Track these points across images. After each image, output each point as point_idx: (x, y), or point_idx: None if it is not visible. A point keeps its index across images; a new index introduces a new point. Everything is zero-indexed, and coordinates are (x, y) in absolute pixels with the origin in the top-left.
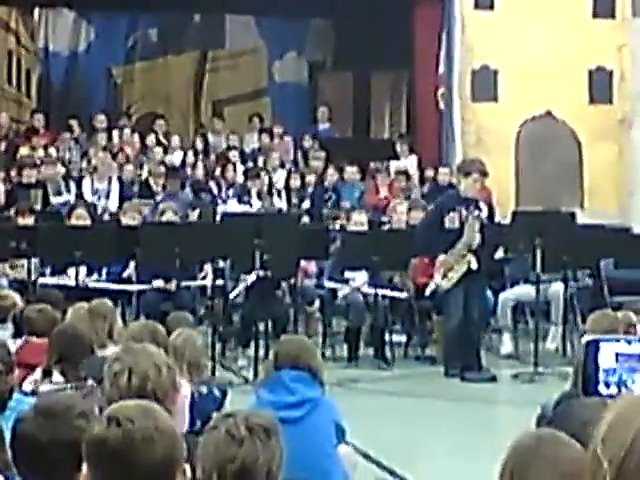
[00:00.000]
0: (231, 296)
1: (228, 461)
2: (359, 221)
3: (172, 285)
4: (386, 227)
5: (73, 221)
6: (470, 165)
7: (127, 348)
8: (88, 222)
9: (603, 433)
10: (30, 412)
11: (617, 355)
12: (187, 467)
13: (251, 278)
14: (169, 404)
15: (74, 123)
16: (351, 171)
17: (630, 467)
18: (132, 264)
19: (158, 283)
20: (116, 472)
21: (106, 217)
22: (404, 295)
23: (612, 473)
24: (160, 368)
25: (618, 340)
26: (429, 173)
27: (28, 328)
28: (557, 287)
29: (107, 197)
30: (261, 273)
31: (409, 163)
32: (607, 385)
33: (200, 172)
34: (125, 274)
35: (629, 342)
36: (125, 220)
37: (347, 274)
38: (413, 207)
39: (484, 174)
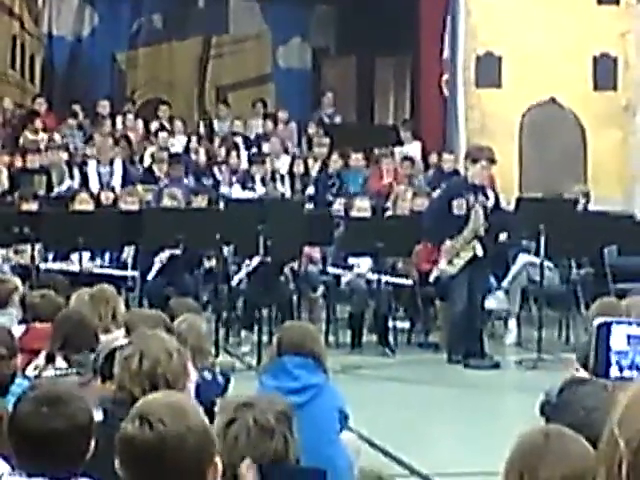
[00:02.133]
0: (233, 282)
1: (261, 454)
2: (362, 207)
3: (178, 250)
4: (389, 213)
5: (77, 206)
6: (478, 152)
7: (139, 334)
8: (92, 206)
9: (620, 415)
10: (29, 400)
11: (629, 337)
12: (219, 460)
13: (253, 263)
14: (180, 389)
15: (77, 108)
16: (356, 158)
17: None
18: (130, 249)
19: (164, 255)
20: (148, 472)
21: (107, 196)
22: (408, 282)
23: (629, 454)
24: (171, 353)
25: (630, 323)
26: (433, 159)
27: (32, 314)
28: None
29: (110, 178)
30: (264, 259)
31: (413, 149)
32: (620, 368)
33: (204, 158)
34: (124, 256)
35: None
36: (124, 206)
37: (351, 260)
38: (417, 194)
39: (492, 161)
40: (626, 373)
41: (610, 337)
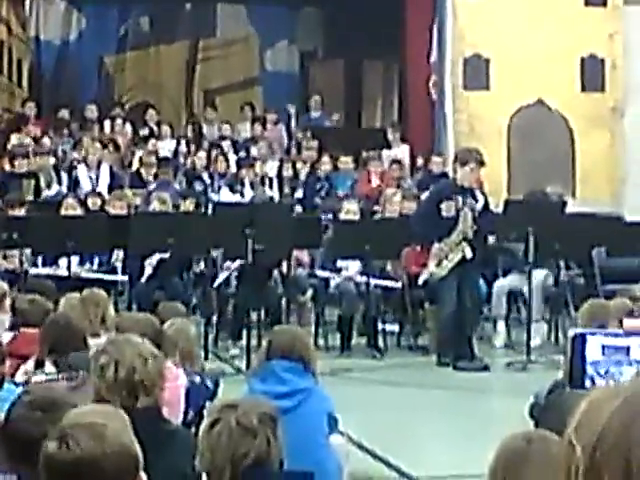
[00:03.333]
0: (215, 284)
1: (243, 455)
2: (351, 210)
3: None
4: (378, 216)
5: (63, 212)
6: (467, 154)
7: (111, 340)
8: (79, 212)
9: (576, 421)
10: (23, 405)
11: (604, 347)
12: (144, 476)
13: (234, 265)
14: (157, 393)
15: (65, 113)
16: (345, 161)
17: (602, 452)
18: (119, 253)
19: (154, 259)
20: None
21: (95, 200)
22: (397, 284)
23: (585, 460)
24: (146, 358)
25: (605, 334)
26: (420, 162)
27: (20, 319)
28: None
29: (97, 182)
30: (244, 262)
31: (401, 152)
32: (594, 378)
33: (191, 161)
34: (113, 260)
35: (615, 335)
36: (112, 210)
37: (339, 263)
38: (406, 197)
39: (481, 164)
40: (601, 382)
41: (585, 348)
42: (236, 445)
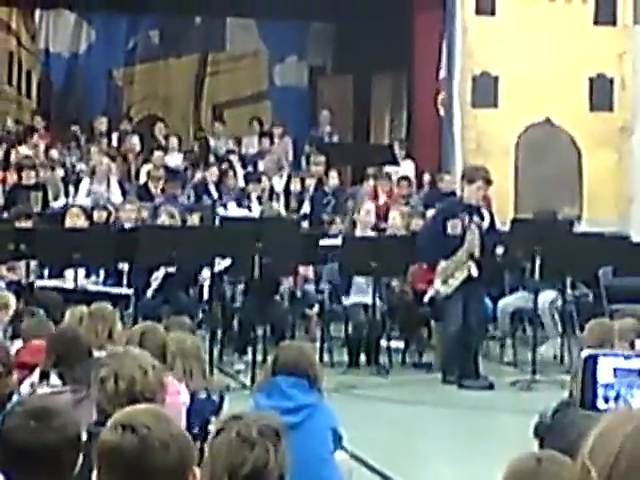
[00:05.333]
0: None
1: (240, 464)
2: (369, 210)
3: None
4: (387, 232)
5: (68, 219)
6: (475, 172)
7: (112, 352)
8: (83, 220)
9: (591, 444)
10: (18, 415)
11: (615, 370)
12: (197, 470)
13: (161, 273)
14: (158, 404)
15: (76, 129)
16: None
17: (617, 475)
18: (125, 266)
19: (160, 273)
20: (131, 478)
21: (100, 214)
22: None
23: None
24: (146, 369)
25: (617, 355)
26: (427, 178)
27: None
28: (544, 299)
29: (105, 198)
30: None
31: (405, 168)
32: (605, 400)
33: (200, 175)
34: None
35: (627, 357)
36: (123, 214)
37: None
38: (413, 214)
39: (488, 182)
40: (611, 405)
41: (597, 370)
42: (233, 455)
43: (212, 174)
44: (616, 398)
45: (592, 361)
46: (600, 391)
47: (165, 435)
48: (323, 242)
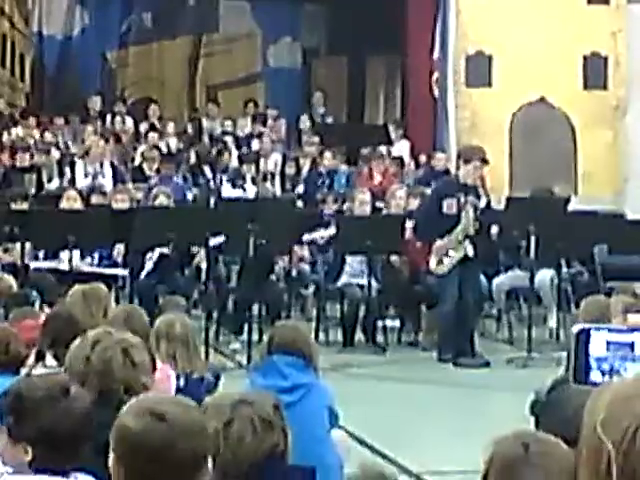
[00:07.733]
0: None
1: (269, 447)
2: (364, 201)
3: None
4: (384, 212)
5: (64, 203)
6: (471, 152)
7: (96, 332)
8: (79, 203)
9: (603, 415)
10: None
11: (608, 343)
12: (210, 458)
13: (155, 255)
14: (145, 383)
15: (72, 115)
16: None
17: (636, 451)
18: (120, 247)
19: (155, 254)
20: (154, 467)
21: (99, 198)
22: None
23: (619, 457)
24: (129, 348)
25: (610, 329)
26: (422, 158)
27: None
28: (544, 275)
29: (97, 178)
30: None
31: (400, 148)
32: (602, 373)
33: (194, 156)
34: (114, 254)
35: (620, 331)
36: (115, 204)
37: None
38: (411, 193)
39: (485, 162)
40: (605, 379)
41: (589, 343)
42: (261, 440)
43: (205, 155)
44: (610, 371)
45: (584, 335)
46: (593, 364)
47: (190, 424)
48: (315, 235)
